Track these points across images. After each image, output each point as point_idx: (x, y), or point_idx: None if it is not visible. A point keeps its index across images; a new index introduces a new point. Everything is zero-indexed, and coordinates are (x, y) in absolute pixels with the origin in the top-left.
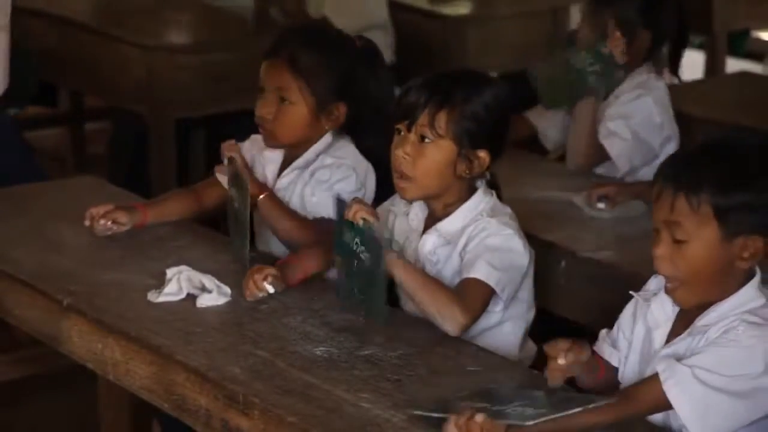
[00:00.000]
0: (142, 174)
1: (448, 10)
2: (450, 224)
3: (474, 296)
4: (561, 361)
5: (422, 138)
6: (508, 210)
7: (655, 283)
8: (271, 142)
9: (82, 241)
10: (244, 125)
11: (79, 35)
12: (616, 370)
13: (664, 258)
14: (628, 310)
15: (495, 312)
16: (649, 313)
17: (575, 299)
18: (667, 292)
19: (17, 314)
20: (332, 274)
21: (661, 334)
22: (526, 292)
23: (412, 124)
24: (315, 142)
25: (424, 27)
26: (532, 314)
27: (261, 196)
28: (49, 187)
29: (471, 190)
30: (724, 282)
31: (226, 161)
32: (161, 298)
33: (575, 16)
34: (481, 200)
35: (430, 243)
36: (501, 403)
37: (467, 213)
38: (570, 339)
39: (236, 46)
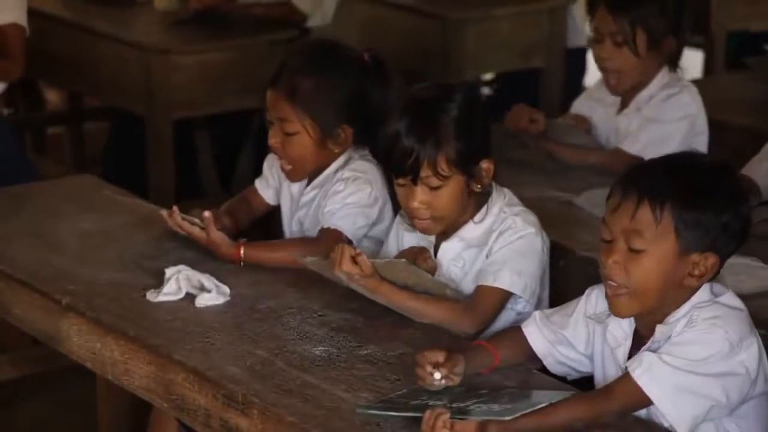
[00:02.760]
0: (141, 174)
1: (447, 10)
2: (474, 230)
3: (488, 304)
4: (437, 375)
5: (430, 186)
6: (516, 199)
7: (594, 302)
8: (288, 178)
9: (81, 241)
10: (246, 125)
11: (77, 35)
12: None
13: (618, 265)
14: (583, 328)
15: (513, 311)
16: (608, 333)
17: (573, 299)
18: (608, 297)
19: (16, 314)
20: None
21: (623, 352)
22: (545, 291)
23: (416, 179)
24: (330, 164)
25: (424, 27)
26: None
27: (241, 255)
28: (47, 187)
29: (484, 194)
30: (670, 296)
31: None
32: (160, 298)
33: (575, 16)
34: (497, 198)
35: (452, 250)
36: (458, 401)
37: (490, 217)
38: (444, 351)
39: (233, 46)
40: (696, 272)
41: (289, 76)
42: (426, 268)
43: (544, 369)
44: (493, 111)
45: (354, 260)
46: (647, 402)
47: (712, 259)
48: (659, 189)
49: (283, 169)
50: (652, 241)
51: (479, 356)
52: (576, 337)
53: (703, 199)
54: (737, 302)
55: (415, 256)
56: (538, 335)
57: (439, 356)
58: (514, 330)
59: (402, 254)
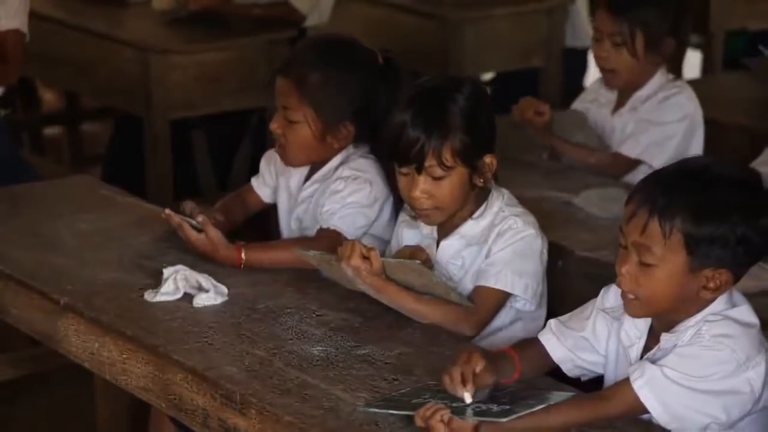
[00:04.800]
0: (140, 174)
1: (446, 10)
2: (473, 227)
3: (488, 306)
4: (467, 399)
5: (433, 176)
6: (515, 200)
7: (613, 298)
8: (285, 162)
9: (79, 241)
10: (243, 125)
11: (75, 36)
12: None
13: (629, 275)
14: (603, 327)
15: (512, 309)
16: (622, 330)
17: (573, 298)
18: (622, 297)
19: (14, 314)
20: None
21: (636, 351)
22: (544, 291)
23: (420, 168)
24: (329, 158)
25: (423, 27)
26: (543, 312)
27: (242, 259)
28: (45, 187)
29: (484, 190)
30: (684, 306)
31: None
32: (158, 298)
33: (577, 16)
34: (496, 197)
35: (452, 248)
36: (459, 400)
37: (489, 214)
38: (483, 361)
39: (231, 46)
40: (711, 285)
41: (300, 65)
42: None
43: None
44: (494, 109)
45: (364, 256)
46: (645, 411)
47: (725, 275)
48: (671, 205)
49: (278, 150)
50: (661, 257)
51: (505, 367)
52: (596, 338)
53: (717, 216)
54: (751, 317)
55: (412, 254)
56: (555, 342)
57: (479, 366)
58: (532, 341)
59: (399, 252)
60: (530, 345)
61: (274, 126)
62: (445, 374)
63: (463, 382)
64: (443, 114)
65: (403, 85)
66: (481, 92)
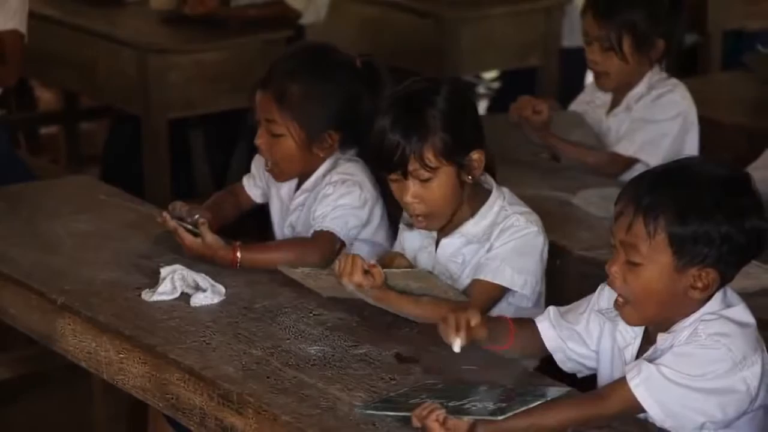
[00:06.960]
0: (138, 174)
1: (443, 9)
2: (474, 227)
3: (484, 299)
4: (456, 348)
5: (420, 179)
6: (517, 198)
7: (607, 298)
8: (277, 179)
9: (77, 241)
10: (241, 124)
11: (73, 36)
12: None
13: (617, 276)
14: (595, 325)
15: (511, 305)
16: (618, 332)
17: (570, 297)
18: (616, 306)
19: (12, 313)
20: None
21: (631, 351)
22: (541, 285)
23: (405, 173)
24: (317, 167)
25: (419, 26)
26: (541, 311)
27: (238, 259)
28: (43, 187)
29: (481, 187)
30: (675, 307)
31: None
32: (155, 297)
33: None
34: (497, 196)
35: (452, 246)
36: (456, 399)
37: (490, 214)
38: (479, 315)
39: (229, 46)
40: (698, 285)
41: (279, 79)
42: None
43: (554, 366)
44: (497, 108)
45: (365, 270)
46: (641, 410)
47: (712, 275)
48: (655, 204)
49: (267, 168)
50: (647, 256)
51: (499, 332)
52: (588, 333)
53: (700, 215)
54: (747, 316)
55: (391, 260)
56: (550, 331)
57: (474, 319)
58: (529, 322)
59: (382, 259)
60: (527, 324)
61: (259, 141)
62: (440, 320)
63: (457, 329)
64: (421, 116)
65: (385, 87)
66: (461, 91)
